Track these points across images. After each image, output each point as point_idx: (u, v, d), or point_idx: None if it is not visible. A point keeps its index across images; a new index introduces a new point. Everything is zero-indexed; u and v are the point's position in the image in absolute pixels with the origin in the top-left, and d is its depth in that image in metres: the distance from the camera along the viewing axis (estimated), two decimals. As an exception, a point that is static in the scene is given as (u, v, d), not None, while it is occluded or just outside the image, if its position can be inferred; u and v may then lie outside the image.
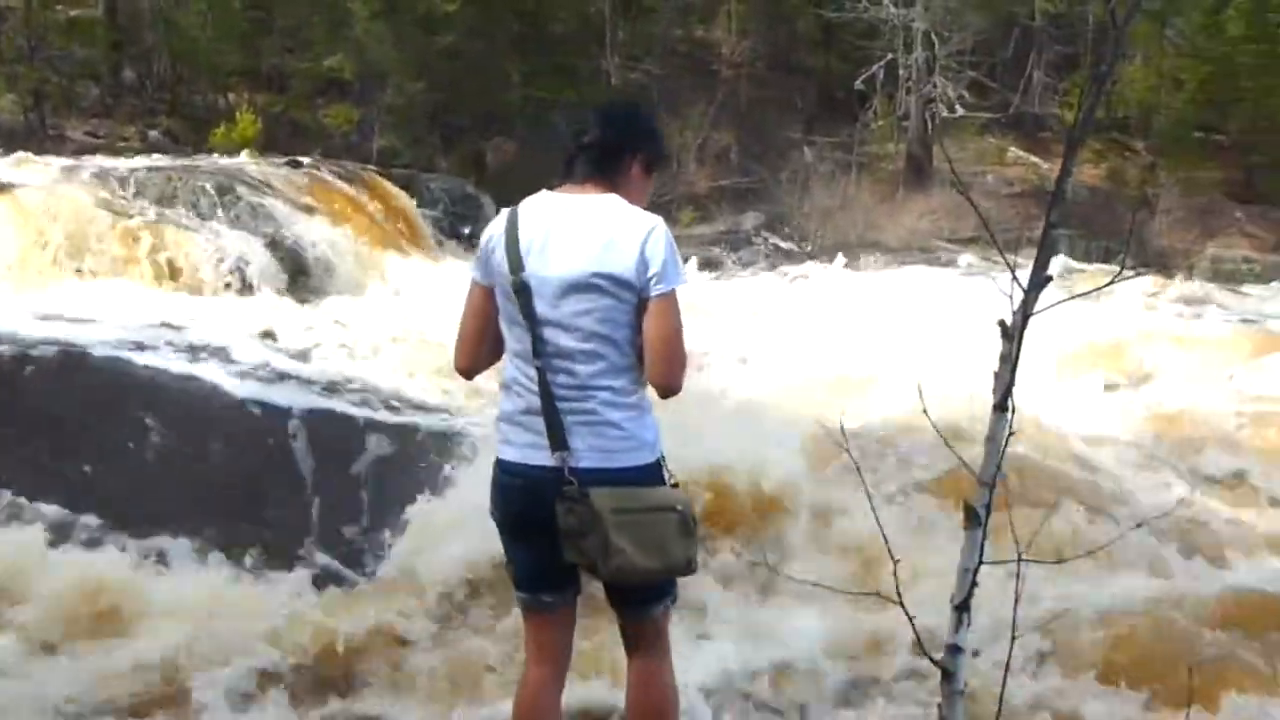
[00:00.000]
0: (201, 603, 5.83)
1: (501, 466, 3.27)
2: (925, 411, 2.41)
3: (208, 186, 13.08)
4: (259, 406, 8.31)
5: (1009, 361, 2.40)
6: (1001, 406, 2.43)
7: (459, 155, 21.69)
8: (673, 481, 3.24)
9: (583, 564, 3.13)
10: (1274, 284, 20.94)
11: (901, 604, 2.45)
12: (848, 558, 6.07)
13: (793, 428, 6.94)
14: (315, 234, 13.23)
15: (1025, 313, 2.37)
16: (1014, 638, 2.73)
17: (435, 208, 17.29)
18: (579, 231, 3.17)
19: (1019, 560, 2.46)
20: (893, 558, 2.43)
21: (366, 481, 7.68)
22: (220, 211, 12.86)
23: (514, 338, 3.24)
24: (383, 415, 8.64)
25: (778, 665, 5.41)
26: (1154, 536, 6.51)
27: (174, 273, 11.83)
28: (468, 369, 3.40)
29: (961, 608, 2.51)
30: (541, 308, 3.15)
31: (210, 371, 8.67)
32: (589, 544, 3.04)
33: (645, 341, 3.16)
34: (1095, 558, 5.06)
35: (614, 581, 3.16)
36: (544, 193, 3.32)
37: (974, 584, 2.48)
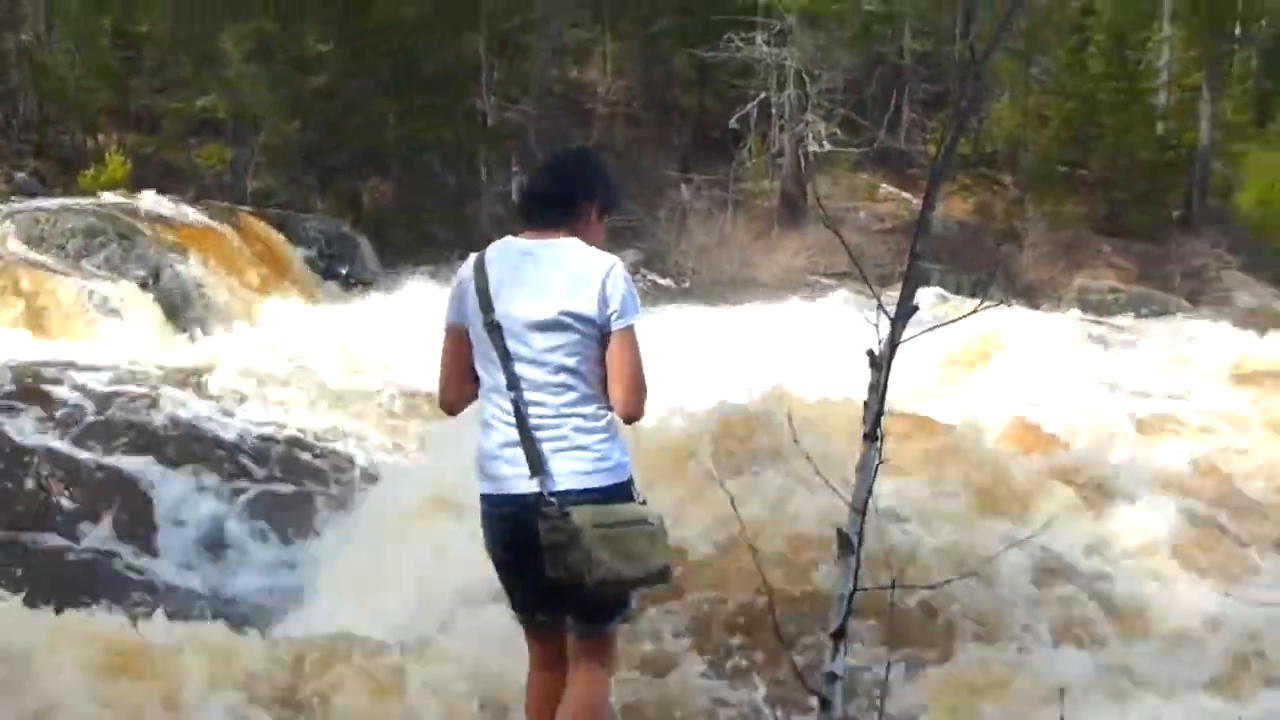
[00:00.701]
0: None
1: (488, 501, 3.50)
2: (796, 441, 2.44)
3: (77, 228, 12.75)
4: (137, 445, 8.17)
5: (878, 390, 2.44)
6: (871, 435, 2.46)
7: (335, 195, 21.43)
8: (641, 499, 3.46)
9: (567, 578, 3.29)
10: (1140, 314, 21.71)
11: (778, 634, 2.47)
12: (730, 590, 6.09)
13: (666, 459, 6.97)
14: (189, 275, 12.97)
15: (892, 343, 2.41)
16: (889, 665, 2.75)
17: (311, 248, 17.06)
18: (545, 273, 3.42)
19: (893, 587, 2.49)
20: (769, 589, 2.44)
21: (260, 513, 7.62)
22: (90, 254, 12.54)
23: (489, 374, 3.47)
24: (267, 449, 8.55)
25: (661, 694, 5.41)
26: (1025, 558, 6.66)
27: (43, 315, 11.50)
28: (452, 405, 3.64)
29: (838, 635, 2.53)
30: (513, 345, 3.39)
31: (82, 411, 8.47)
32: (573, 558, 3.24)
33: (610, 372, 3.41)
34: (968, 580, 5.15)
35: (598, 592, 3.32)
36: (508, 238, 3.56)
37: (849, 611, 2.50)
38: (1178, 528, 8.12)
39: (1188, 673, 6.22)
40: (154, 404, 9.20)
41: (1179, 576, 7.52)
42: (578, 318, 3.37)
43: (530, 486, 3.35)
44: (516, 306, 3.40)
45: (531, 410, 3.38)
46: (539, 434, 3.37)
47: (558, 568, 3.28)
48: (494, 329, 3.40)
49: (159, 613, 6.24)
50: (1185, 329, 18.83)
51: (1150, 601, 7.09)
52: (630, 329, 3.41)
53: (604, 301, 3.38)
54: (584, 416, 3.40)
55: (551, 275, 3.41)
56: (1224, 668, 6.26)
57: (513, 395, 3.38)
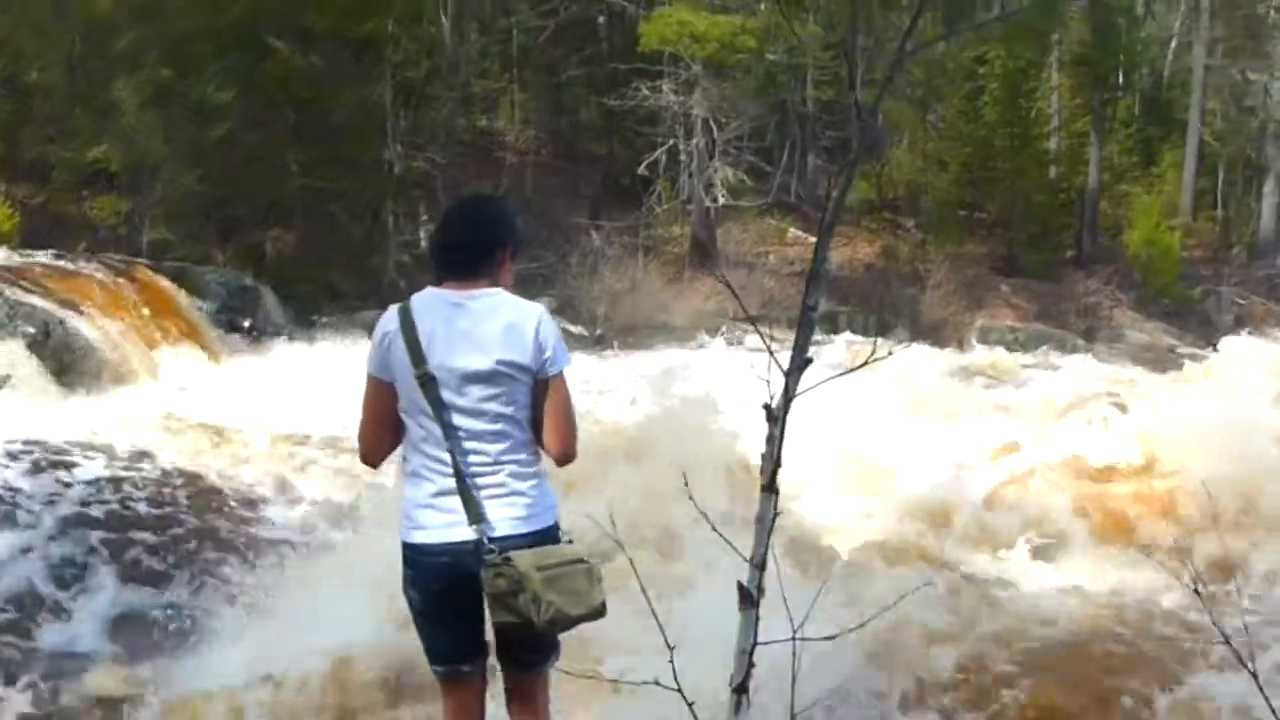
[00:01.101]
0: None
1: (419, 550, 3.49)
2: (691, 498, 2.42)
3: (-39, 285, 12.39)
4: (38, 509, 7.96)
5: (774, 443, 2.43)
6: (769, 487, 2.45)
7: (236, 246, 21.09)
8: (568, 539, 3.55)
9: (512, 623, 3.35)
10: (1038, 351, 22.15)
11: (680, 690, 2.43)
12: (622, 647, 6.04)
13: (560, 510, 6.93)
14: (82, 331, 12.64)
15: (788, 395, 2.40)
16: (794, 716, 2.73)
17: (212, 300, 16.77)
18: (478, 325, 3.48)
19: (794, 639, 2.47)
20: (668, 645, 2.41)
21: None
22: (-25, 311, 12.18)
23: (420, 425, 3.49)
24: (168, 510, 8.38)
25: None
26: (922, 605, 6.70)
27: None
28: (374, 457, 3.67)
29: (740, 689, 2.51)
30: (449, 396, 3.43)
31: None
32: (520, 603, 3.30)
33: (546, 418, 3.52)
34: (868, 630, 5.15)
35: (546, 632, 3.40)
36: (430, 290, 3.58)
37: (751, 665, 2.48)
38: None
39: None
40: (47, 466, 8.94)
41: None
42: (514, 366, 3.45)
43: (467, 534, 3.39)
44: (452, 358, 3.44)
45: (470, 459, 3.43)
46: (476, 481, 3.42)
47: (506, 613, 3.34)
48: (428, 381, 3.43)
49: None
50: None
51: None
52: (561, 374, 3.54)
53: (539, 349, 3.47)
54: (519, 463, 3.49)
55: (485, 326, 3.47)
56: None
57: (449, 445, 3.42)
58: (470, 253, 3.58)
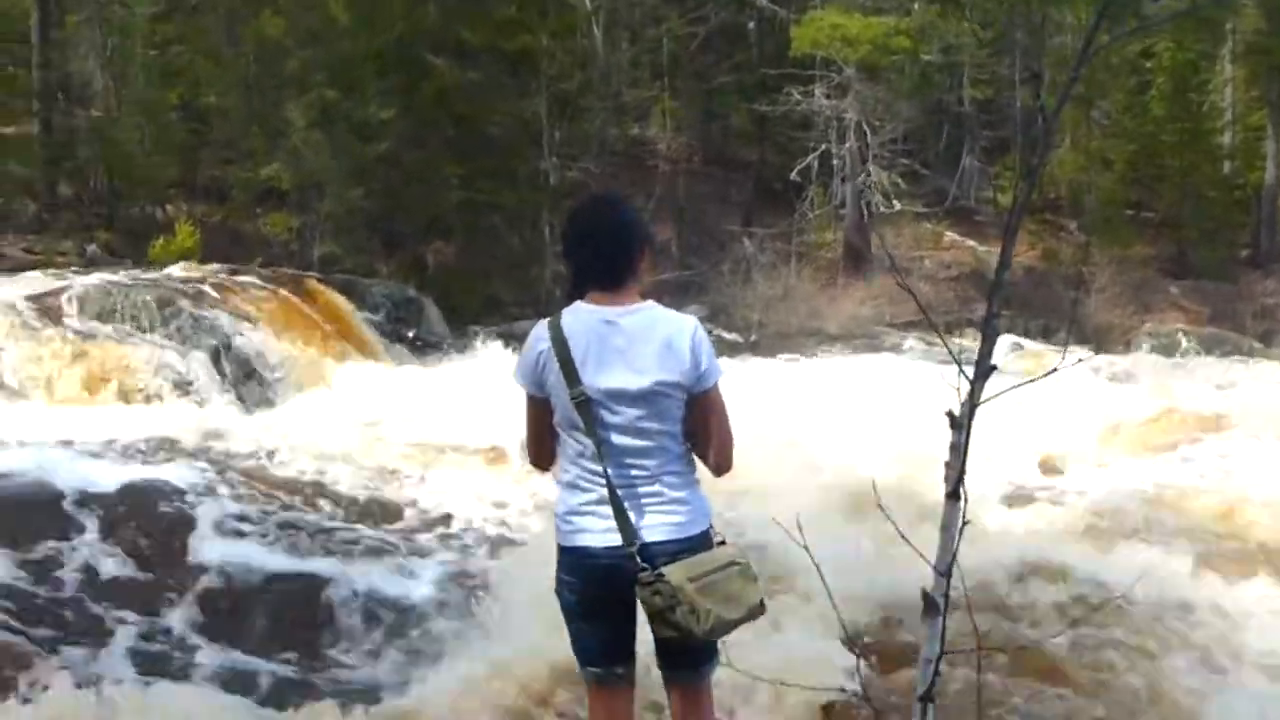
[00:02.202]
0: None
1: (577, 553, 3.51)
2: (880, 505, 2.42)
3: (149, 299, 12.97)
4: (237, 520, 8.24)
5: (959, 451, 2.42)
6: (954, 495, 2.44)
7: (399, 259, 21.70)
8: (719, 540, 3.54)
9: (676, 636, 3.36)
10: (1210, 356, 21.36)
11: (867, 698, 2.44)
12: (809, 653, 6.03)
13: (744, 524, 6.94)
14: (259, 343, 13.14)
15: (973, 403, 2.39)
16: (979, 727, 2.71)
17: (378, 312, 17.23)
18: (631, 345, 3.47)
19: (979, 650, 2.45)
20: (854, 651, 2.42)
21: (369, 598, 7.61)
22: (161, 324, 12.75)
23: (576, 441, 3.52)
24: (359, 522, 8.58)
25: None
26: (1105, 621, 6.53)
27: (115, 387, 11.69)
28: (543, 462, 3.71)
29: (925, 699, 2.50)
30: (605, 416, 3.45)
31: (170, 485, 8.55)
32: (678, 616, 3.30)
33: (701, 430, 3.54)
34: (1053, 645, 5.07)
35: (708, 639, 3.40)
36: (580, 305, 3.55)
37: (937, 673, 2.47)
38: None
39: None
40: (233, 478, 9.25)
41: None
42: (669, 385, 3.45)
43: (621, 542, 3.41)
44: (608, 379, 3.44)
45: (627, 473, 3.45)
46: (634, 491, 3.45)
47: (666, 628, 3.34)
48: (583, 401, 3.43)
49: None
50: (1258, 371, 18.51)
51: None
52: (717, 386, 3.53)
53: (694, 366, 3.46)
54: (675, 473, 3.50)
55: (640, 346, 3.46)
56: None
57: (604, 462, 3.43)
58: (612, 261, 3.54)
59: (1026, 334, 22.80)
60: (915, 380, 11.49)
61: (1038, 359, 15.70)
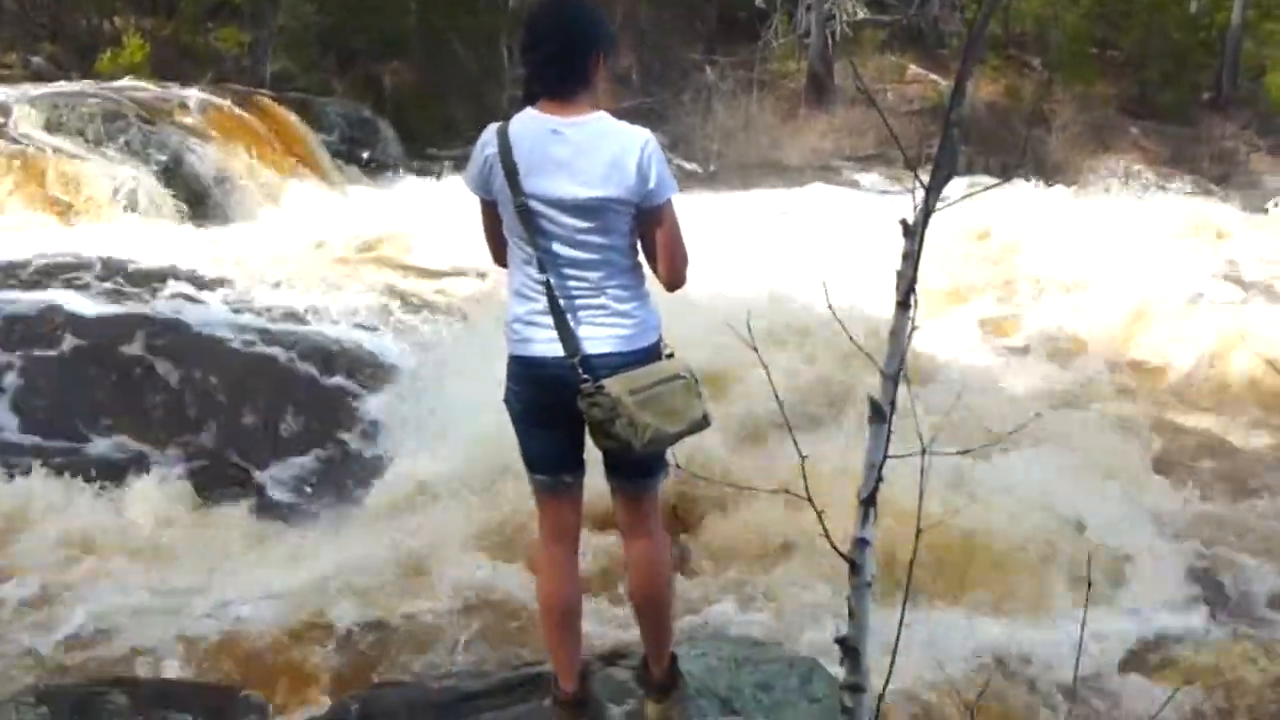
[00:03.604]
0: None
1: (524, 362, 3.49)
2: (830, 307, 2.45)
3: (96, 113, 12.68)
4: (176, 333, 8.25)
5: (911, 258, 2.44)
6: (904, 303, 2.47)
7: (354, 79, 21.25)
8: (668, 353, 3.53)
9: (616, 447, 3.36)
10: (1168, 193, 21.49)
11: (810, 499, 2.49)
12: (756, 458, 6.19)
13: (698, 329, 7.05)
14: (210, 160, 12.93)
15: (927, 210, 2.40)
16: (919, 530, 2.79)
17: (332, 133, 16.99)
18: (579, 156, 3.36)
19: (924, 453, 2.51)
20: (800, 454, 2.47)
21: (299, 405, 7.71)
22: (110, 139, 12.49)
23: (521, 250, 3.45)
24: (308, 337, 8.62)
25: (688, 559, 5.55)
26: (1051, 429, 6.75)
27: (65, 201, 11.50)
28: (503, 260, 3.61)
29: (868, 502, 2.56)
30: (546, 226, 3.37)
31: (116, 300, 8.52)
32: (617, 428, 3.30)
33: (655, 246, 3.47)
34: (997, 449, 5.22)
35: (647, 453, 3.39)
36: (529, 112, 3.43)
37: (880, 478, 2.53)
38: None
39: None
40: (179, 294, 9.19)
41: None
42: (616, 200, 3.37)
43: (564, 353, 3.38)
44: (550, 190, 3.36)
45: (569, 285, 3.40)
46: (577, 303, 3.40)
47: (605, 439, 3.35)
48: (525, 211, 3.36)
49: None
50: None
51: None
52: (668, 202, 3.44)
53: (643, 179, 3.37)
54: (622, 286, 3.44)
55: (585, 159, 3.36)
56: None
57: (548, 274, 3.38)
58: (563, 66, 3.40)
59: (987, 171, 22.76)
60: (873, 210, 11.59)
61: (991, 195, 15.66)
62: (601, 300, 3.42)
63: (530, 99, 3.46)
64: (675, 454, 3.36)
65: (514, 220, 3.41)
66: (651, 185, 3.37)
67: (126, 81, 15.27)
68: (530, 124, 3.41)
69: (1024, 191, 13.96)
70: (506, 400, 3.57)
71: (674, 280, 3.52)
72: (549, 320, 3.39)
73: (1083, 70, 27.50)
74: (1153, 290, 10.45)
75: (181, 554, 6.22)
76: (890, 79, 27.47)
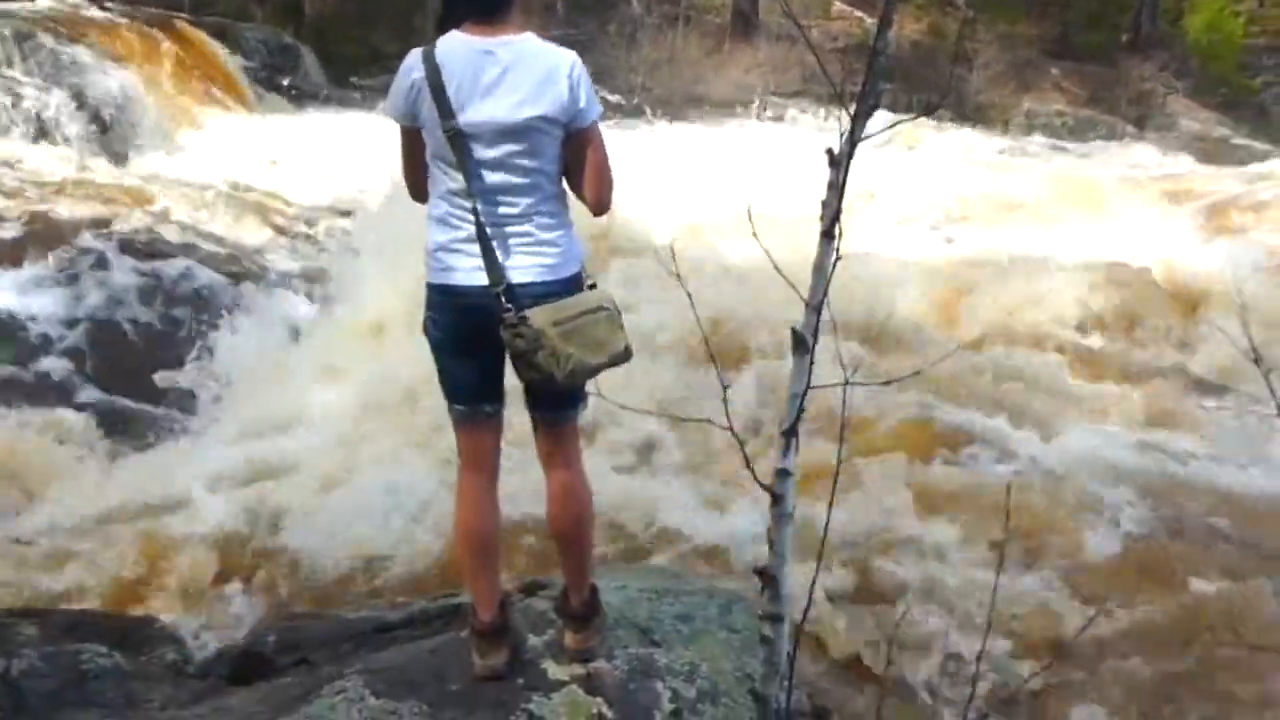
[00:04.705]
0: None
1: (445, 291, 3.42)
2: (755, 235, 2.45)
3: (5, 32, 12.27)
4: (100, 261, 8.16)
5: (836, 189, 2.44)
6: (829, 234, 2.47)
7: (275, 5, 20.77)
8: (590, 283, 3.49)
9: (538, 378, 3.34)
10: (1086, 138, 21.73)
11: (731, 429, 2.51)
12: (679, 388, 6.22)
13: (623, 258, 7.06)
14: (125, 85, 12.57)
15: (853, 139, 2.40)
16: (840, 461, 2.82)
17: (252, 59, 16.59)
18: (509, 76, 3.32)
19: (845, 384, 2.52)
20: (722, 384, 2.48)
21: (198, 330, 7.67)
22: (20, 60, 12.11)
23: (447, 176, 3.38)
24: (216, 264, 8.54)
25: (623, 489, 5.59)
26: (969, 361, 6.87)
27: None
28: (423, 196, 3.55)
29: (789, 433, 2.57)
30: (478, 150, 3.32)
31: (21, 232, 8.36)
32: (540, 359, 3.28)
33: (579, 169, 3.43)
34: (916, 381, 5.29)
35: (569, 384, 3.37)
36: (456, 34, 3.36)
37: (802, 409, 2.55)
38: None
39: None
40: (92, 222, 9.03)
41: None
42: (546, 120, 3.32)
43: (489, 282, 3.34)
44: (481, 112, 3.29)
45: (497, 211, 3.35)
46: (503, 231, 3.36)
47: (527, 370, 3.32)
48: (455, 135, 3.30)
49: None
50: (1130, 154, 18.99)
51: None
52: (595, 125, 3.42)
53: (572, 101, 3.34)
54: (548, 213, 3.40)
55: (516, 78, 3.31)
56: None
57: (473, 199, 3.32)
58: None
59: (909, 110, 22.87)
60: (798, 143, 11.61)
61: (915, 132, 15.79)
62: (527, 228, 3.38)
63: (454, 22, 3.38)
64: (598, 384, 3.33)
65: (441, 146, 3.34)
66: (581, 104, 3.35)
67: (40, 3, 14.78)
68: (459, 46, 3.34)
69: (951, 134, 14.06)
70: (425, 329, 3.51)
71: (601, 204, 3.49)
72: (475, 249, 3.35)
73: (1005, 10, 27.65)
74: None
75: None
76: (815, 15, 27.41)
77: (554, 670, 3.50)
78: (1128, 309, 9.19)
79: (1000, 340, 8.29)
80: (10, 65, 12.04)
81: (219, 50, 15.50)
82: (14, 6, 13.84)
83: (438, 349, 3.53)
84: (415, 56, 3.37)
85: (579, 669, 3.54)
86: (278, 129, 13.95)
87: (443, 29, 3.39)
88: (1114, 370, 8.16)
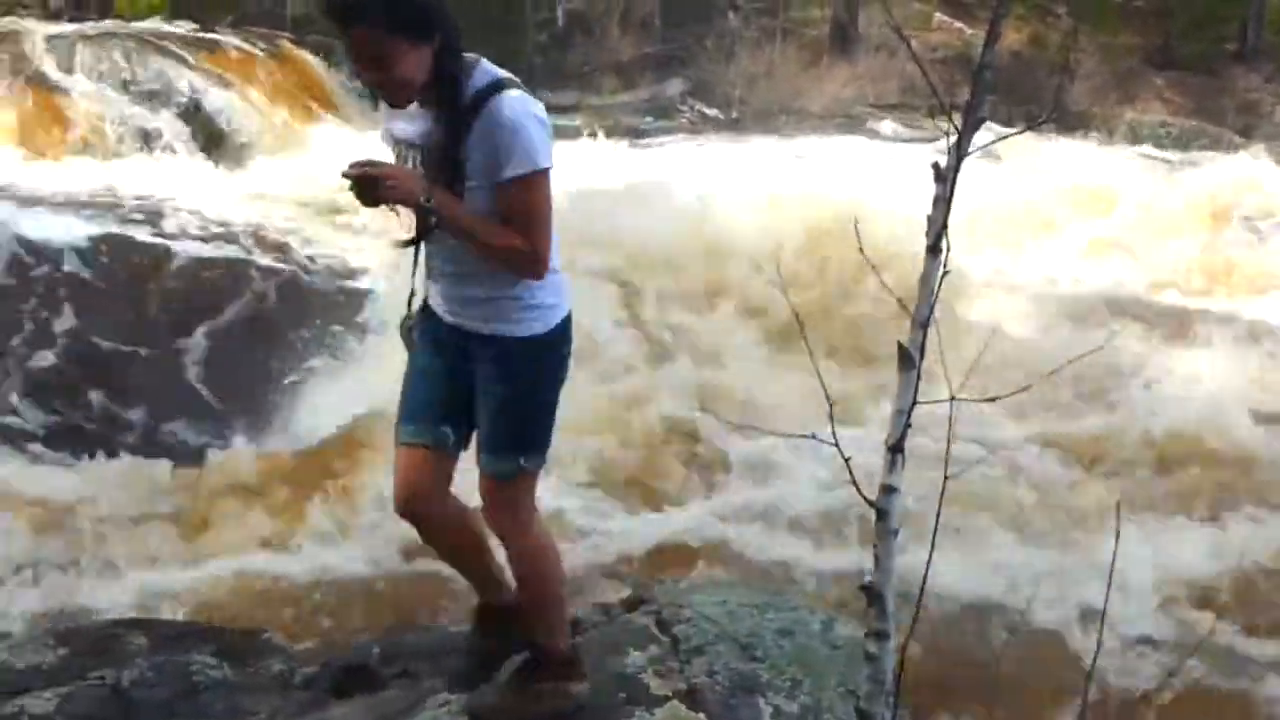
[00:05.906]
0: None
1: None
2: (861, 250, 2.44)
3: (116, 54, 12.63)
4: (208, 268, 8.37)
5: (942, 203, 2.42)
6: (935, 248, 2.45)
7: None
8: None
9: None
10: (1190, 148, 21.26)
11: (837, 445, 2.49)
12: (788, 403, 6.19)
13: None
14: (231, 104, 12.87)
15: (960, 153, 2.38)
16: (947, 477, 2.79)
17: (353, 76, 16.87)
18: None
19: (951, 400, 2.50)
20: (829, 400, 2.47)
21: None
22: (131, 80, 12.46)
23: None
24: (321, 279, 8.71)
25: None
26: (1081, 376, 6.76)
27: (84, 142, 11.51)
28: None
29: (895, 449, 2.56)
30: None
31: (135, 239, 8.62)
32: None
33: None
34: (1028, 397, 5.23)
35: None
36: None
37: (908, 425, 2.53)
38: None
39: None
40: (199, 232, 9.25)
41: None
42: None
43: None
44: None
45: None
46: None
47: None
48: None
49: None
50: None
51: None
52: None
53: None
54: None
55: None
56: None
57: None
58: None
59: (1009, 121, 22.56)
60: (900, 156, 11.50)
61: (1016, 143, 15.55)
62: None
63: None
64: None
65: None
66: None
67: (147, 24, 15.20)
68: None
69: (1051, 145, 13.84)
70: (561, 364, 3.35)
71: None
72: None
73: (1107, 19, 27.21)
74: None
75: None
76: (915, 26, 27.19)
77: (656, 685, 3.48)
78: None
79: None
80: (124, 84, 12.38)
81: (321, 66, 15.79)
82: (125, 29, 14.24)
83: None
84: (537, 104, 3.21)
85: (681, 684, 3.52)
86: (375, 142, 14.16)
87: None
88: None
